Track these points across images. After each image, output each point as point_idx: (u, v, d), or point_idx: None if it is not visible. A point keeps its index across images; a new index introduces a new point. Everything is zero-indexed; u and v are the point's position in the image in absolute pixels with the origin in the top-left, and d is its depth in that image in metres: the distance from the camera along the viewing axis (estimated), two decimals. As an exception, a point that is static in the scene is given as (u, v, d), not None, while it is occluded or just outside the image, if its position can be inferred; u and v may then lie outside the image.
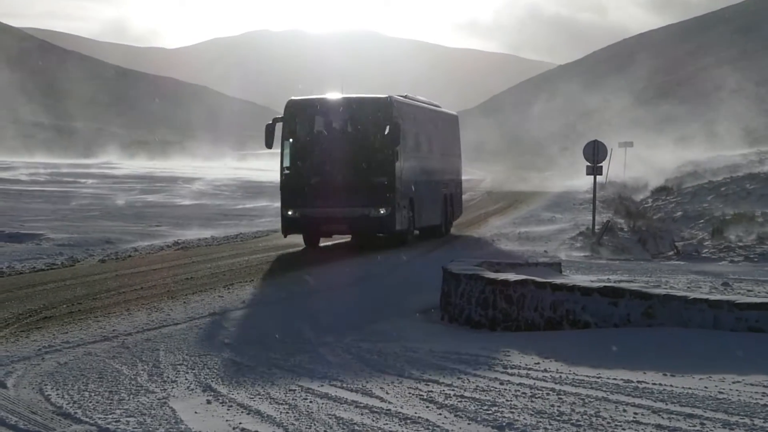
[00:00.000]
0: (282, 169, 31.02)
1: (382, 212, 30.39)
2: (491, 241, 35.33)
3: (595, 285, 16.61)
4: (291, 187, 30.83)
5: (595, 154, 36.18)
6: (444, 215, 37.20)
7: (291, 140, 30.92)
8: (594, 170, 36.56)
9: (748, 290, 19.47)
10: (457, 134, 41.94)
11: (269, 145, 30.97)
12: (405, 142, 31.51)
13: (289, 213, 30.76)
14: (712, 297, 15.48)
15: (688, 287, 19.62)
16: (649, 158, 78.17)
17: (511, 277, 17.68)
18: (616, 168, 69.15)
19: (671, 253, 32.45)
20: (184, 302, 20.43)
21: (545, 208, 52.21)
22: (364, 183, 30.39)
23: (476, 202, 59.06)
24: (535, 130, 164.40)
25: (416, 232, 34.36)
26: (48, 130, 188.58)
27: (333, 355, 15.00)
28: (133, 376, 13.64)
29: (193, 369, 14.12)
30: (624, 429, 10.44)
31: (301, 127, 31.29)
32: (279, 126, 30.82)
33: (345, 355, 14.94)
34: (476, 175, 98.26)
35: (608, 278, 20.81)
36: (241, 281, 23.54)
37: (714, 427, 10.40)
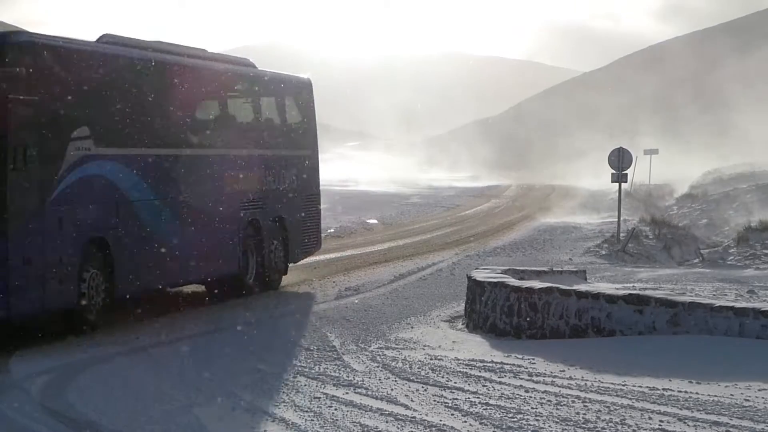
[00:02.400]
0: None
1: None
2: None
3: (621, 292, 16.57)
4: None
5: (620, 161, 36.05)
6: (251, 256, 22.68)
7: None
8: (619, 177, 36.42)
9: (774, 297, 19.40)
10: (306, 114, 26.02)
11: None
12: (57, 126, 16.73)
13: None
14: (737, 304, 15.45)
15: (714, 295, 19.55)
16: (674, 166, 78.03)
17: (536, 284, 17.66)
18: (642, 175, 69.04)
19: (696, 260, 32.33)
20: (208, 310, 20.48)
21: (571, 215, 52.16)
22: None
23: (501, 210, 59.10)
24: (561, 137, 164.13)
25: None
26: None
27: (358, 363, 14.99)
28: (157, 384, 13.68)
29: (218, 376, 14.14)
30: (650, 437, 10.42)
31: None
32: None
33: (370, 363, 14.93)
34: (502, 182, 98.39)
35: (633, 285, 20.74)
36: (263, 291, 23.53)
37: (740, 434, 10.37)
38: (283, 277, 24.21)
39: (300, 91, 25.77)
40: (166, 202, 19.88)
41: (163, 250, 19.22)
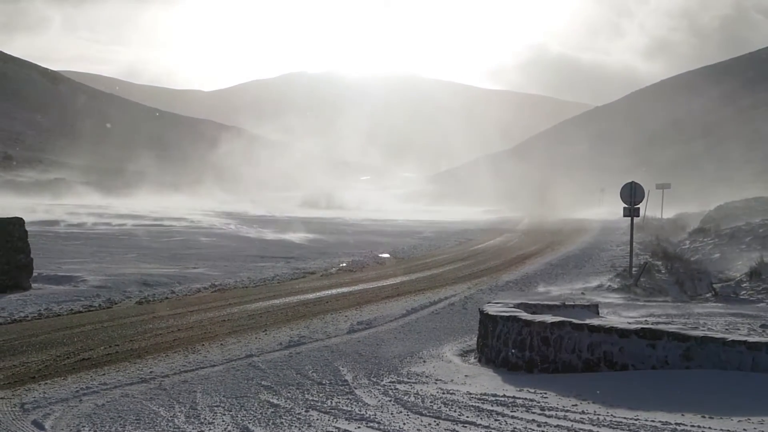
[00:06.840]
0: None
1: None
2: None
3: (633, 327, 16.54)
4: None
5: (632, 195, 36.06)
6: None
7: None
8: (631, 211, 36.41)
9: (788, 332, 19.33)
10: None
11: None
12: None
13: None
14: (750, 339, 15.39)
15: (726, 329, 19.49)
16: (687, 199, 77.93)
17: (548, 318, 17.65)
18: (654, 209, 69.07)
19: (709, 294, 32.24)
20: (221, 344, 20.48)
21: (582, 248, 52.11)
22: None
23: (514, 244, 59.11)
24: (572, 171, 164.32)
25: None
26: (95, 172, 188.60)
27: (370, 397, 14.98)
28: (170, 418, 13.67)
29: (231, 411, 14.13)
30: (663, 472, 10.39)
31: None
32: None
33: (382, 397, 14.92)
34: (515, 215, 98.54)
35: (646, 320, 20.70)
36: (277, 323, 23.56)
37: (754, 470, 10.33)
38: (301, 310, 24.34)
39: None
40: None
41: None
